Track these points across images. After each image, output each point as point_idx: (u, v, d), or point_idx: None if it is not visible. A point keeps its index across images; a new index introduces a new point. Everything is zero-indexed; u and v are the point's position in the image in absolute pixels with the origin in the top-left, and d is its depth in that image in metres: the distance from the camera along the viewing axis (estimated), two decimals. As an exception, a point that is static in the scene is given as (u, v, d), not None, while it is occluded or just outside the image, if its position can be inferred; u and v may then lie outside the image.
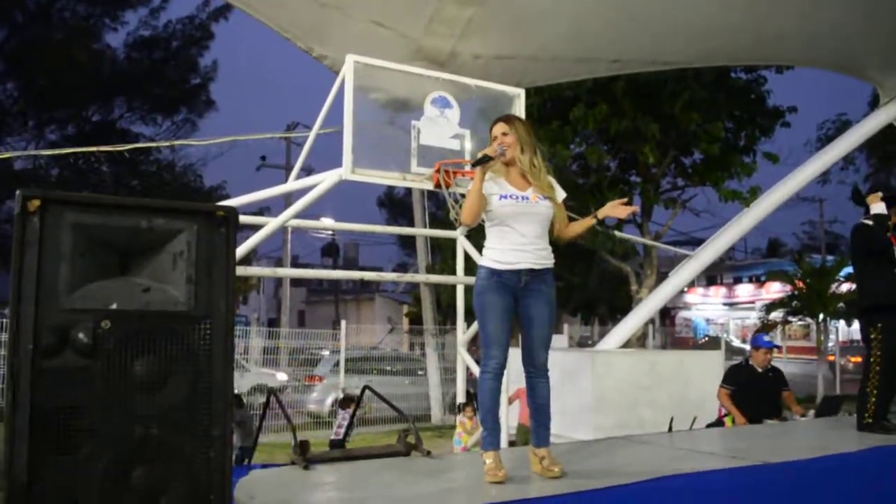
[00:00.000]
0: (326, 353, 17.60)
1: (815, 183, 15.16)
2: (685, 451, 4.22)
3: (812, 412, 7.23)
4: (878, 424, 4.85)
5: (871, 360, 4.97)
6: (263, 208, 19.89)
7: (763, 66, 13.99)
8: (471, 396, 9.66)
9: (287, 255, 25.81)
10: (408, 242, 36.77)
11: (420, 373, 16.62)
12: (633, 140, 13.65)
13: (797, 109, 14.88)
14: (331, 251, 44.29)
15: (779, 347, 9.14)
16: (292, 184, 6.85)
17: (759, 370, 6.82)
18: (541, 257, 3.49)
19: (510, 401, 8.35)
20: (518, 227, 3.45)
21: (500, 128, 3.56)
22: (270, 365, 16.35)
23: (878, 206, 5.14)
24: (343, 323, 15.49)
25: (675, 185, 15.93)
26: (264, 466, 3.85)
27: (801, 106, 15.12)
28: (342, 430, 9.40)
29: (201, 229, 2.39)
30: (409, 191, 21.77)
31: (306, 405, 15.28)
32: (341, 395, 13.46)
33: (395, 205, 44.30)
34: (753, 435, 5.15)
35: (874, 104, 11.99)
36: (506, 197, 3.45)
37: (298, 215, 6.99)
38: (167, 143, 17.00)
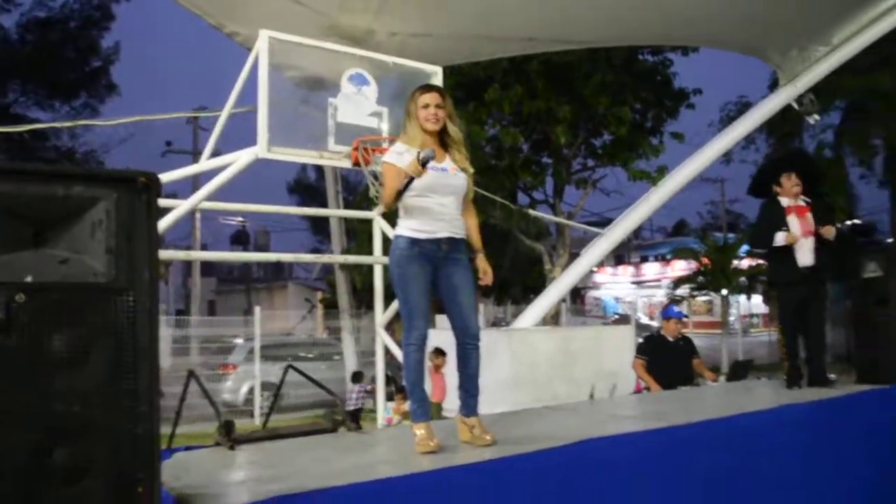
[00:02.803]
0: (240, 340, 17.26)
1: (719, 163, 15.71)
2: (608, 416, 4.33)
3: (723, 377, 7.55)
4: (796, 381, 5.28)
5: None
6: (170, 194, 19.28)
7: (670, 48, 14.38)
8: (390, 380, 9.67)
9: (196, 242, 25.13)
10: (321, 228, 36.36)
11: (336, 357, 16.48)
12: (546, 121, 13.86)
13: (701, 91, 15.39)
14: (241, 239, 43.41)
15: (687, 317, 9.49)
16: (205, 163, 6.64)
17: (671, 339, 7.09)
18: (458, 227, 3.51)
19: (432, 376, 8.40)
20: (436, 198, 3.44)
21: (434, 97, 3.49)
22: (181, 354, 15.93)
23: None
24: (257, 309, 15.20)
25: (586, 166, 16.27)
26: (188, 449, 3.74)
27: (705, 88, 15.66)
28: (355, 403, 10.36)
29: (121, 197, 2.28)
30: (320, 175, 21.44)
31: (221, 394, 14.95)
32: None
33: (307, 190, 43.79)
34: (670, 399, 5.33)
35: (773, 86, 12.50)
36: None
37: (211, 198, 6.79)
38: (68, 124, 16.22)
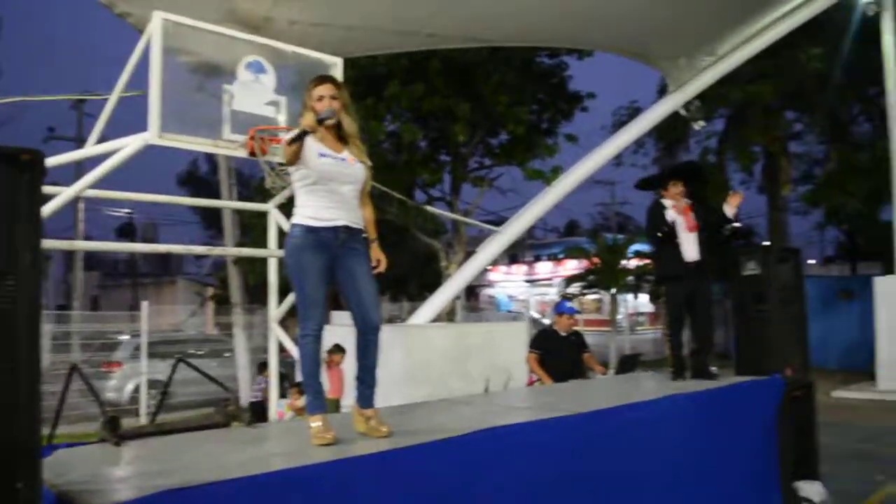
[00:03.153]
0: (125, 337, 16.56)
1: (610, 165, 16.26)
2: (502, 408, 4.40)
3: (612, 371, 7.80)
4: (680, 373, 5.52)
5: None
6: (52, 182, 18.26)
7: (566, 52, 14.75)
8: (284, 377, 9.51)
9: (79, 233, 23.91)
10: (212, 223, 35.31)
11: (227, 354, 16.06)
12: (445, 119, 13.97)
13: (595, 95, 15.88)
14: (127, 231, 41.63)
15: (580, 312, 9.77)
16: (91, 148, 6.34)
17: (563, 334, 7.29)
18: (356, 217, 3.49)
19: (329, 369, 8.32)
20: (335, 187, 3.42)
21: (328, 89, 3.47)
22: (61, 351, 15.12)
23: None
24: (144, 304, 14.61)
25: (483, 164, 16.50)
26: (70, 446, 3.56)
27: (598, 93, 16.16)
28: (260, 394, 9.86)
29: (1, 175, 2.15)
30: (212, 169, 20.75)
31: (105, 393, 14.28)
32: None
33: (198, 183, 42.39)
34: (562, 391, 5.48)
35: (662, 93, 13.02)
36: (324, 156, 3.40)
37: (97, 186, 6.50)
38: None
